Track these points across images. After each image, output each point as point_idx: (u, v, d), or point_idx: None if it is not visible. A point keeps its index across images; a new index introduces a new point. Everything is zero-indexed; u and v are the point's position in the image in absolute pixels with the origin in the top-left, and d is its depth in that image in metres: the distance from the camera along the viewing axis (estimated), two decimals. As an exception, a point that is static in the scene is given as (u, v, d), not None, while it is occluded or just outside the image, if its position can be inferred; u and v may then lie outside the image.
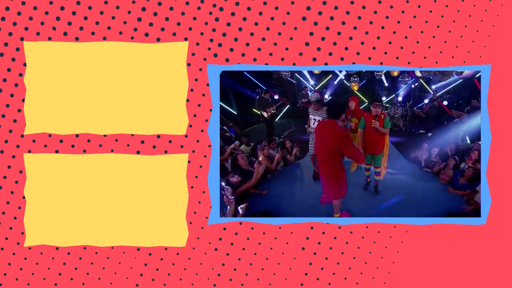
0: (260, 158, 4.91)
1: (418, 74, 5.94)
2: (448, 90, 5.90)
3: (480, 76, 4.51)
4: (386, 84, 6.29)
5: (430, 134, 5.78)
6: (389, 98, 6.34)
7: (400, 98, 6.37)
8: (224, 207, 3.99)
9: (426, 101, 6.19)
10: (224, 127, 5.08)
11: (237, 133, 5.33)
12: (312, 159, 5.07)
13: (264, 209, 4.18)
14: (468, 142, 5.23)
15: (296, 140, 5.59)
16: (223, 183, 4.09)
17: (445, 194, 4.65)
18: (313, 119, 4.96)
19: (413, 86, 6.26)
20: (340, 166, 4.14)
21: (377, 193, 4.84)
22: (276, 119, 5.87)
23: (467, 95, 5.60)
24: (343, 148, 4.01)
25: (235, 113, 5.51)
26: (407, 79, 6.20)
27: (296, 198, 4.75)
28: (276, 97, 5.87)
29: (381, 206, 4.46)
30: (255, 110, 5.77)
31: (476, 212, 4.01)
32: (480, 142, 4.26)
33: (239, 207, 4.06)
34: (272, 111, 5.76)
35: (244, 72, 5.08)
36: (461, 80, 5.64)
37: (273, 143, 5.24)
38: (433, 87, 6.04)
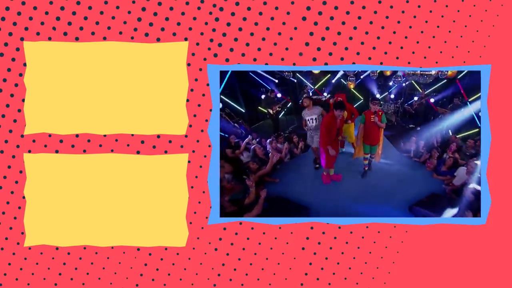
0: (270, 151, 5.17)
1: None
2: (434, 89, 5.96)
3: (461, 77, 5.19)
4: (380, 83, 6.35)
5: (418, 128, 5.83)
6: (382, 96, 6.39)
7: (392, 96, 6.43)
8: (248, 189, 4.03)
9: (415, 98, 6.23)
10: (235, 124, 5.34)
11: (246, 129, 5.52)
12: (312, 151, 5.40)
13: (277, 195, 4.38)
14: (451, 135, 5.37)
15: (299, 134, 5.75)
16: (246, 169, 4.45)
17: (430, 179, 4.96)
18: (309, 118, 5.14)
19: (404, 85, 6.29)
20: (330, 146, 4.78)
21: (369, 169, 5.22)
22: (280, 116, 6.05)
23: (450, 94, 5.68)
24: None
25: (243, 111, 5.69)
26: (399, 79, 6.25)
27: (303, 185, 4.99)
28: (279, 95, 5.97)
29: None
30: (262, 108, 5.91)
31: (454, 192, 4.23)
32: (458, 136, 5.09)
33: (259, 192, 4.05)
34: (278, 109, 5.91)
35: (250, 73, 5.29)
36: (445, 81, 5.70)
37: (280, 137, 5.45)
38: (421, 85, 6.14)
